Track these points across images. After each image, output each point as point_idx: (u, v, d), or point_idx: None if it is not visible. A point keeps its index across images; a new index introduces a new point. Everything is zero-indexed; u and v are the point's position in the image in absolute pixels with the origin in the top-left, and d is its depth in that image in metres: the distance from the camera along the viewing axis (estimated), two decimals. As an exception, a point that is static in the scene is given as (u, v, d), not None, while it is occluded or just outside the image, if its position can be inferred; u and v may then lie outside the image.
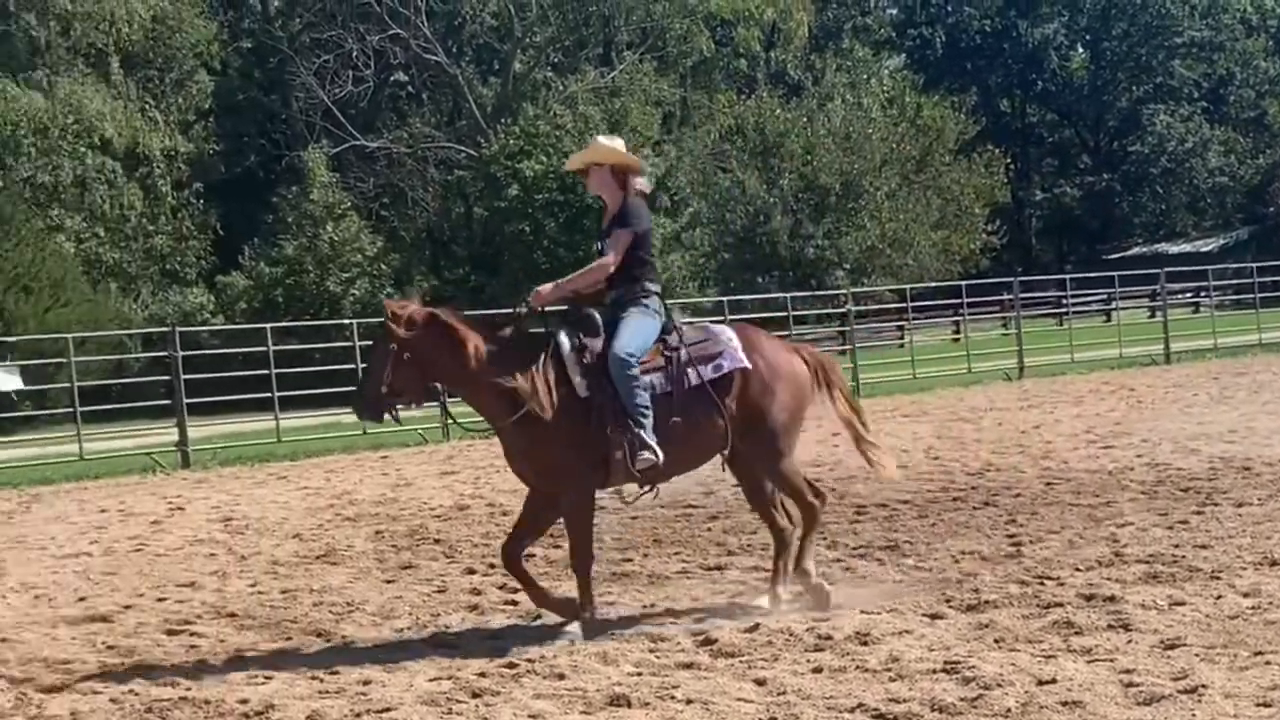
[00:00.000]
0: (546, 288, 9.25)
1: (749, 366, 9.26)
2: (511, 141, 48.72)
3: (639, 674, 7.70)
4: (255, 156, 54.85)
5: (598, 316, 9.14)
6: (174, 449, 23.23)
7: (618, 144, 9.67)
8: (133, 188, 49.80)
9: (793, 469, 9.59)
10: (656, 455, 8.87)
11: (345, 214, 48.44)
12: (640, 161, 9.69)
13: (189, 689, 7.91)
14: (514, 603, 9.85)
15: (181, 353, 23.75)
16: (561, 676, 7.70)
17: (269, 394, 24.72)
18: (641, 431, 8.86)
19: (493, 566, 11.39)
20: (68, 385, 25.41)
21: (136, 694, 7.85)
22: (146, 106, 51.25)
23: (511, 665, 8.01)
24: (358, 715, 7.19)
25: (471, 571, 11.25)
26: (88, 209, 48.49)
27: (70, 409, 25.23)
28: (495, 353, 9.01)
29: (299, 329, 37.93)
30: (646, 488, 9.29)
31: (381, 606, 10.03)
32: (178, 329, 25.10)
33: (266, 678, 8.10)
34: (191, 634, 9.54)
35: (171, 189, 51.28)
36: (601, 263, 9.29)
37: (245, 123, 55.49)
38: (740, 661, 7.83)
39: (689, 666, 7.80)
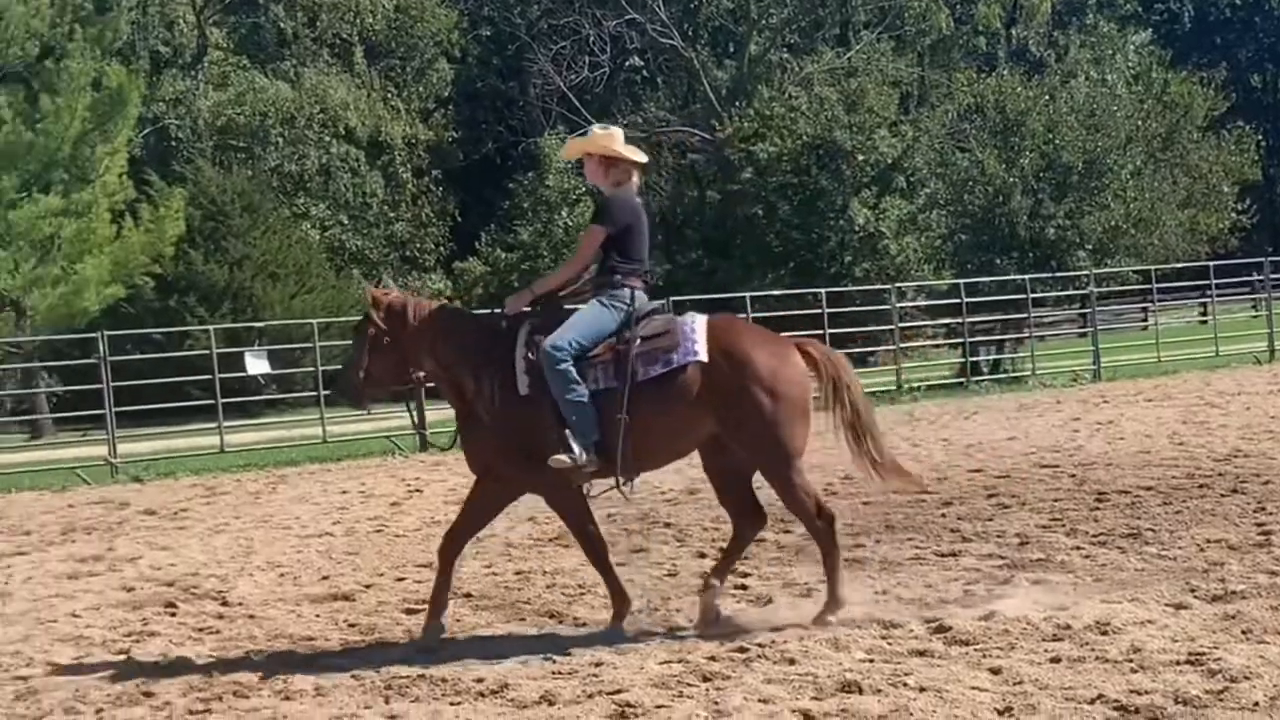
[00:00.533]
0: (516, 296, 9.31)
1: (705, 360, 8.71)
2: (746, 124, 48.66)
3: (870, 660, 7.59)
4: (493, 143, 55.74)
5: (559, 315, 8.99)
6: (412, 432, 23.71)
7: (614, 133, 9.38)
8: (374, 175, 51.02)
9: (793, 479, 8.80)
10: (572, 457, 8.56)
11: (580, 199, 48.92)
12: (628, 153, 9.36)
13: (426, 667, 8.04)
14: (744, 587, 9.81)
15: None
16: (792, 661, 7.63)
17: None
18: (567, 430, 8.61)
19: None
20: (312, 369, 26.08)
21: (377, 671, 8.01)
22: (389, 95, 52.44)
23: (742, 650, 7.96)
24: (590, 696, 7.22)
25: (702, 555, 11.23)
26: (331, 197, 49.80)
27: (314, 393, 25.94)
28: (463, 349, 8.99)
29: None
30: (625, 482, 9.07)
31: (614, 588, 10.07)
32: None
33: (501, 657, 8.19)
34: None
35: (412, 176, 52.37)
36: (569, 262, 9.37)
37: (483, 110, 56.45)
38: (975, 650, 7.67)
39: (922, 654, 7.67)
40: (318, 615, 9.89)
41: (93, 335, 24.37)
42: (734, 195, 48.98)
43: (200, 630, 9.56)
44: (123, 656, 8.86)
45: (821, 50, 55.20)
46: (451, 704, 7.27)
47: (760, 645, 8.00)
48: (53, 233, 36.47)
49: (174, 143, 47.84)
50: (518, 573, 11.01)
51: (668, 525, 12.99)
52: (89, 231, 36.69)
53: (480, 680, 7.64)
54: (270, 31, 51.90)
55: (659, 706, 6.94)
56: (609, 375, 8.76)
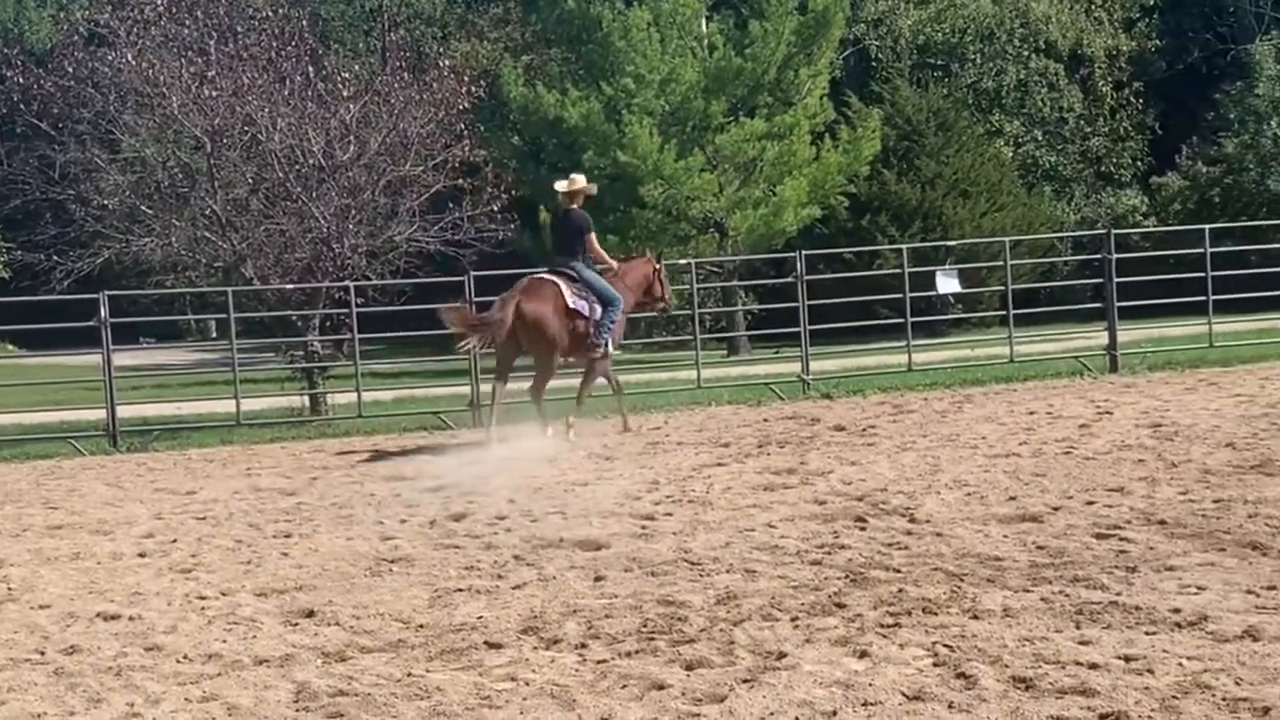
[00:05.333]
0: None
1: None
2: None
3: None
4: (1198, 52, 53.23)
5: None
6: (1102, 353, 23.13)
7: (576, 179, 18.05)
8: (1072, 89, 50.01)
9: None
10: None
11: (1292, 109, 46.18)
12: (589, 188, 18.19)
13: (1119, 594, 7.83)
14: None
15: (1114, 255, 23.52)
16: None
17: (1202, 298, 24.00)
18: None
19: None
20: (1000, 288, 25.90)
21: (1067, 595, 7.87)
22: (1091, 6, 51.14)
23: None
24: (1291, 635, 6.82)
25: None
26: (1027, 112, 49.22)
27: (1001, 312, 25.75)
28: None
29: (1235, 230, 36.60)
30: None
31: (1325, 523, 9.48)
32: (1111, 231, 24.87)
33: (1199, 588, 7.87)
34: (1120, 539, 9.43)
35: (1111, 89, 50.96)
36: None
37: (1190, 17, 53.98)
38: None
39: None
40: (1005, 535, 9.82)
41: (789, 255, 25.13)
42: None
43: (889, 545, 9.70)
44: (815, 567, 9.12)
45: None
46: (1146, 633, 7.04)
47: None
48: (756, 155, 37.95)
49: (873, 63, 48.58)
50: (1216, 501, 10.53)
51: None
52: (790, 153, 37.92)
53: (1177, 611, 7.36)
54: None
55: (1383, 652, 6.47)
56: None
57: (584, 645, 7.48)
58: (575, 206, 17.64)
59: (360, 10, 58.28)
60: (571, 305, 17.02)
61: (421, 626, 8.13)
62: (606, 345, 17.33)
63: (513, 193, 30.15)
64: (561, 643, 7.56)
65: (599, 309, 17.19)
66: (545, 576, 9.31)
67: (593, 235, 17.63)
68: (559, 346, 17.11)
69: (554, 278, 17.15)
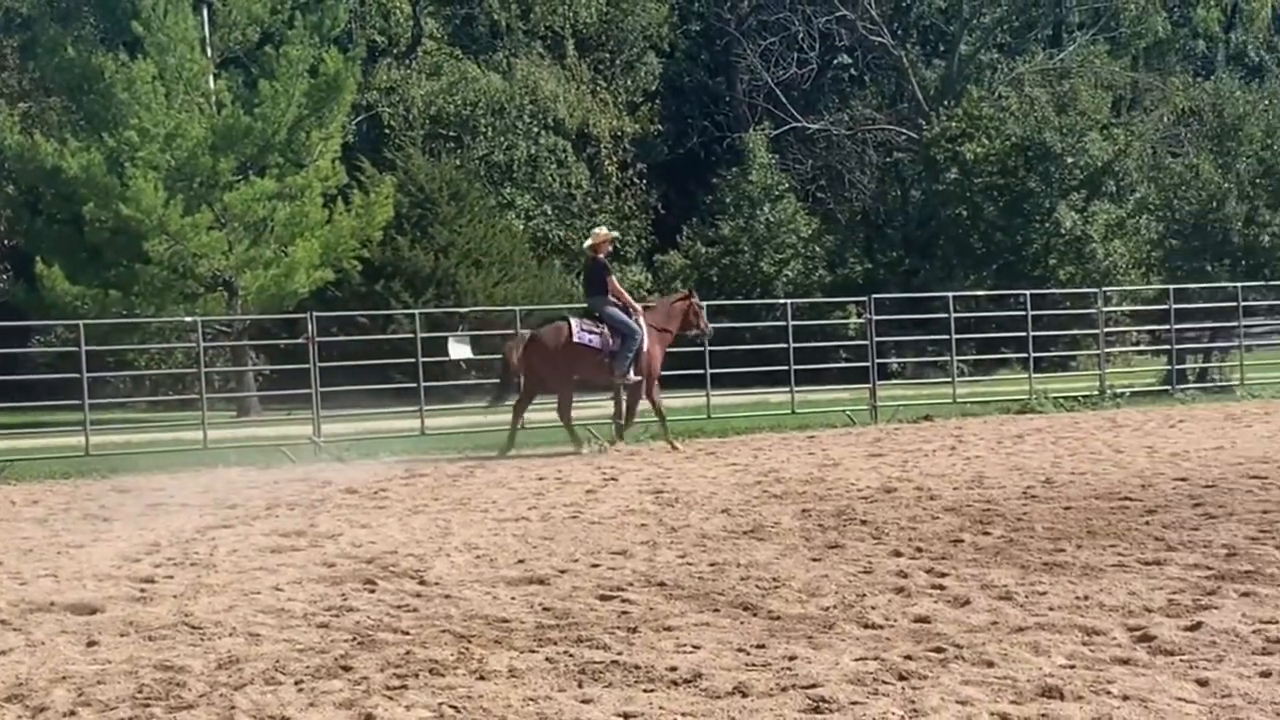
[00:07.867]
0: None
1: None
2: (953, 124, 48.11)
3: (1072, 666, 7.40)
4: (697, 138, 55.75)
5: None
6: (608, 421, 23.79)
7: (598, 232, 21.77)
8: (580, 167, 51.35)
9: None
10: None
11: (782, 195, 48.83)
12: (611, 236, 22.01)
13: (620, 653, 8.04)
14: (941, 587, 9.65)
15: (620, 327, 24.26)
16: (990, 664, 7.47)
17: (701, 371, 25.08)
18: None
19: (920, 550, 11.21)
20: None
21: (571, 655, 8.02)
22: (597, 88, 52.73)
23: (939, 650, 7.81)
24: (784, 689, 7.14)
25: (898, 554, 11.09)
26: (537, 187, 50.25)
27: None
28: None
29: (731, 308, 38.37)
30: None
31: (807, 584, 9.98)
32: (618, 304, 25.64)
33: (694, 647, 8.15)
34: (623, 600, 9.69)
35: (616, 169, 52.61)
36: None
37: (689, 104, 56.47)
38: (1180, 660, 7.43)
39: (1125, 662, 7.45)
40: (513, 598, 9.94)
41: (301, 316, 24.89)
42: (938, 195, 48.50)
43: (398, 608, 9.68)
44: (322, 630, 9.01)
45: (1033, 50, 54.34)
46: (645, 691, 7.24)
47: (958, 646, 7.86)
48: (266, 215, 37.37)
49: (386, 130, 48.67)
50: (712, 564, 10.96)
51: (864, 523, 12.85)
52: (301, 215, 37.52)
53: (673, 669, 7.60)
54: (483, 23, 52.51)
55: (854, 703, 6.84)
56: None
57: (73, 713, 7.14)
58: (600, 256, 21.12)
59: None
60: (576, 339, 20.39)
61: (-107, 697, 7.60)
62: (629, 371, 20.60)
63: (5, 243, 28.73)
64: (48, 711, 7.19)
65: (613, 341, 20.50)
66: (33, 642, 8.86)
67: (613, 278, 21.18)
68: (566, 373, 20.61)
69: (570, 317, 21.00)
